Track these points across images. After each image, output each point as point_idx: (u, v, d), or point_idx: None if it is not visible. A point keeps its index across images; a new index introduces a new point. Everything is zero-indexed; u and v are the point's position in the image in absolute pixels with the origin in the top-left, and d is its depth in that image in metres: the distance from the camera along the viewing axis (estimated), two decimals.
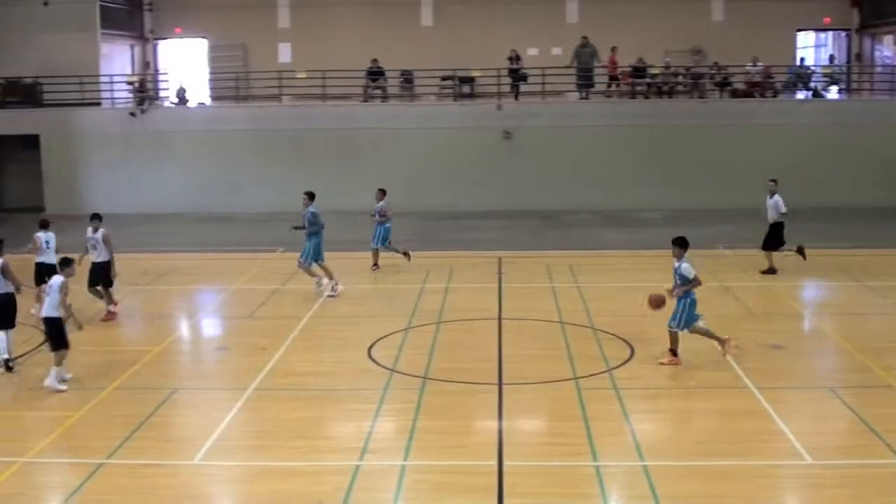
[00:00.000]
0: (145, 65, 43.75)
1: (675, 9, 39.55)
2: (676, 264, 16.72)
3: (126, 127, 36.74)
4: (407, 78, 39.07)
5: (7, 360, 16.88)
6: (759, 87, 37.27)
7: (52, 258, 19.38)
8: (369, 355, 17.55)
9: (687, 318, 16.69)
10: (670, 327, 16.82)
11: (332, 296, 22.16)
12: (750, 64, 37.25)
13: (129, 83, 38.46)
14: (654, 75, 37.27)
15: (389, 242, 25.42)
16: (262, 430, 14.22)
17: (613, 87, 37.67)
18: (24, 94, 38.30)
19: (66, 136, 37.03)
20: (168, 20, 43.43)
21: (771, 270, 23.97)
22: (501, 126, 35.40)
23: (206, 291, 24.17)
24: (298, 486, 12.13)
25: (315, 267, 22.62)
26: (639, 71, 37.07)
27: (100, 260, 20.24)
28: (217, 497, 12.40)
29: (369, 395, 15.34)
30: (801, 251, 23.93)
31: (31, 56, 38.24)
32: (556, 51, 39.15)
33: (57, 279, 16.11)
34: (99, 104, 38.49)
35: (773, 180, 24.10)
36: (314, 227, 22.43)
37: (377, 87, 38.02)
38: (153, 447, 13.50)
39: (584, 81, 37.00)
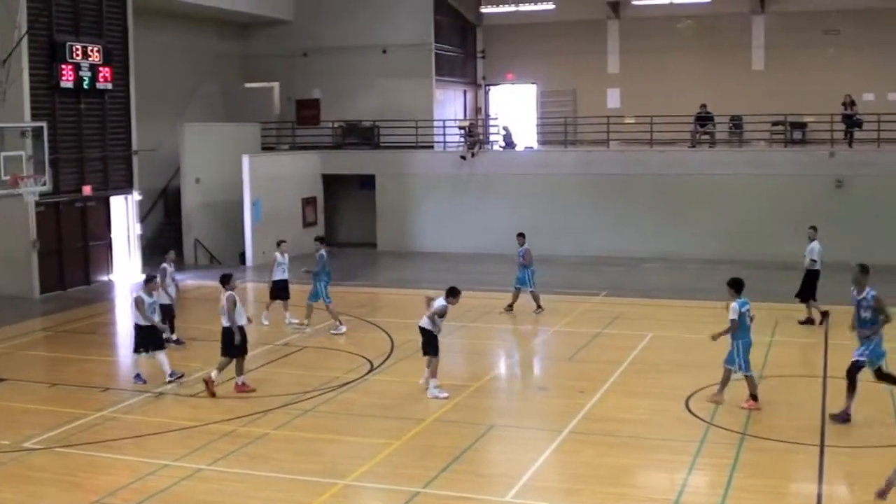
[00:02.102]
0: (476, 109, 45.22)
1: None
2: None
3: (455, 169, 38.08)
4: (736, 123, 38.45)
5: (173, 375, 18.95)
6: None
7: (284, 275, 23.84)
8: (686, 406, 17.32)
9: (744, 359, 16.90)
10: (743, 372, 17.01)
11: (297, 326, 23.87)
12: None
13: (461, 128, 39.87)
14: None
15: (518, 288, 25.56)
16: (574, 474, 14.34)
17: None
18: (363, 136, 40.66)
19: (399, 177, 38.87)
20: (500, 67, 44.85)
21: (809, 321, 23.46)
22: (833, 174, 33.94)
23: (528, 331, 24.58)
24: None
25: (330, 305, 23.71)
26: None
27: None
28: None
29: (684, 447, 15.15)
30: (824, 316, 23.64)
31: (369, 100, 40.64)
32: (893, 96, 37.29)
33: (440, 302, 17.74)
34: (431, 147, 40.20)
35: (813, 227, 24.34)
36: (317, 269, 23.34)
37: (705, 133, 37.54)
38: (467, 480, 13.91)
39: None
